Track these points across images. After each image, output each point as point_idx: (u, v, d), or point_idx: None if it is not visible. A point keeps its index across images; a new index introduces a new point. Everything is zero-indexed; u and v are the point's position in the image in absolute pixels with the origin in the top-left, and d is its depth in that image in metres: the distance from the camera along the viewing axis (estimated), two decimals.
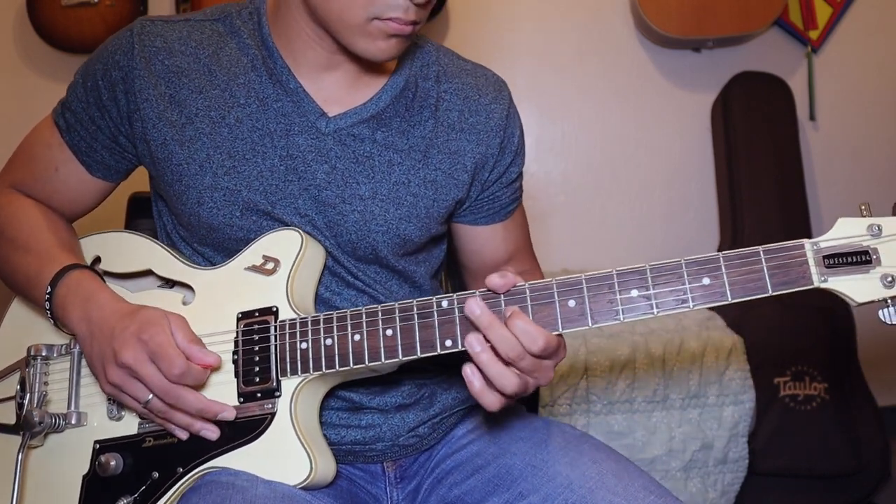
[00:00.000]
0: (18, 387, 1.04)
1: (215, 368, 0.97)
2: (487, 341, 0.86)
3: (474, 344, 0.86)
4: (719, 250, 2.61)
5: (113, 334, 0.93)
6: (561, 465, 0.98)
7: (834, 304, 2.36)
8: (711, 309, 2.31)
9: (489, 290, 0.90)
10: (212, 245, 1.05)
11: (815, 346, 2.35)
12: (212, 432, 0.95)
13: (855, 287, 0.83)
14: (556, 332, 0.88)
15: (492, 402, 0.88)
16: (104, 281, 1.03)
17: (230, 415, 0.95)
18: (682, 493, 2.06)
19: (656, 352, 2.07)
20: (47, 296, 1.00)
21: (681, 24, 2.51)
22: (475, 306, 0.86)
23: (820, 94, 2.73)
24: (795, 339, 2.35)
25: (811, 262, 0.84)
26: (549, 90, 2.73)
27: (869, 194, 2.73)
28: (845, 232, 0.84)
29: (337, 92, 1.04)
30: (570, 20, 2.72)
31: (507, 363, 0.86)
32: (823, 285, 0.84)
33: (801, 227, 2.54)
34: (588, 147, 2.75)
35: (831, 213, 2.73)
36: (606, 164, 2.75)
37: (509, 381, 0.86)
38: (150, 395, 0.93)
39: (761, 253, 0.85)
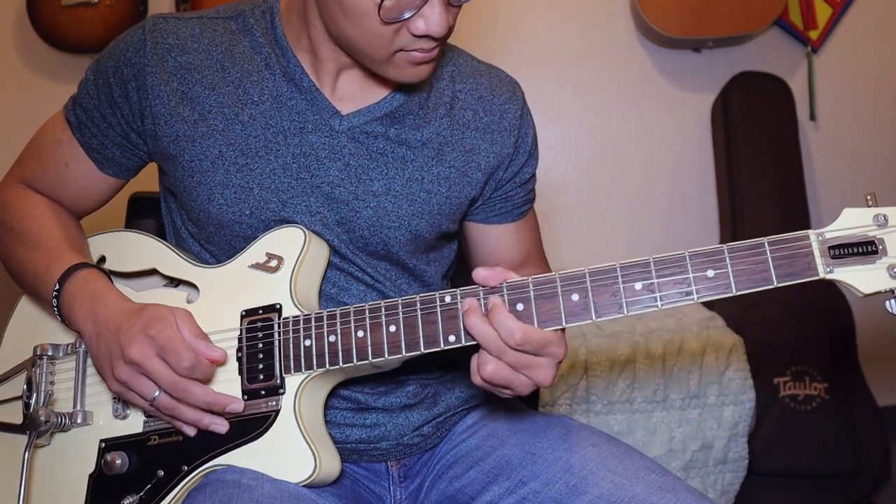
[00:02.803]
0: (25, 386, 1.04)
1: (221, 363, 0.97)
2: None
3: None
4: None
5: (120, 331, 0.93)
6: (560, 451, 0.98)
7: (834, 304, 2.36)
8: (711, 309, 2.32)
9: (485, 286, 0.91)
10: (218, 243, 1.05)
11: (815, 346, 2.35)
12: (221, 426, 0.95)
13: (861, 278, 0.82)
14: (560, 327, 0.88)
15: (476, 381, 0.89)
16: (111, 281, 1.04)
17: (239, 407, 0.95)
18: None
19: (656, 352, 2.06)
20: (55, 293, 1.00)
21: (681, 24, 2.51)
22: (465, 303, 0.89)
23: (820, 94, 2.73)
24: (795, 339, 2.35)
25: (816, 252, 0.83)
26: (550, 90, 2.73)
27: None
28: (851, 222, 0.84)
29: (350, 90, 1.04)
30: (570, 20, 2.72)
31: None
32: (829, 276, 0.83)
33: (802, 227, 2.53)
34: (588, 147, 2.75)
35: (832, 213, 2.73)
36: (606, 164, 2.75)
37: (491, 368, 0.87)
38: (158, 392, 0.92)
39: (766, 244, 0.84)
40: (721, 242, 2.68)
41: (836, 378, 2.34)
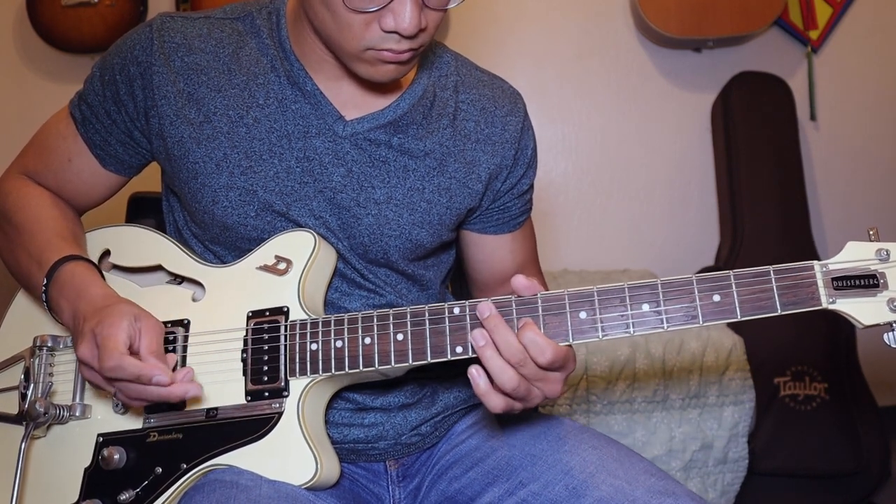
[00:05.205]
0: (22, 376, 1.03)
1: (165, 385, 0.89)
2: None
3: (478, 338, 0.87)
4: (719, 250, 2.64)
5: (82, 329, 0.93)
6: (560, 454, 0.98)
7: None
8: None
9: (508, 295, 0.91)
10: (223, 244, 1.05)
11: (815, 346, 2.35)
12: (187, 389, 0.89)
13: (862, 310, 0.85)
14: (566, 343, 0.89)
15: (496, 403, 0.88)
16: (101, 274, 1.03)
17: (164, 380, 0.88)
18: None
19: (656, 352, 2.06)
20: (43, 287, 0.99)
21: (681, 24, 2.51)
22: (485, 309, 0.88)
23: (820, 94, 2.73)
24: (795, 339, 2.35)
25: (820, 283, 0.85)
26: (550, 90, 2.73)
27: (869, 194, 2.73)
28: (854, 255, 0.86)
29: (355, 96, 1.04)
30: (570, 20, 2.72)
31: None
32: (831, 307, 0.85)
33: (801, 227, 2.54)
34: (588, 147, 2.75)
35: (831, 212, 2.74)
36: (606, 164, 2.75)
37: (509, 377, 0.86)
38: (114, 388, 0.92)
39: (771, 272, 0.86)
40: (721, 242, 2.69)
41: (836, 378, 2.34)
